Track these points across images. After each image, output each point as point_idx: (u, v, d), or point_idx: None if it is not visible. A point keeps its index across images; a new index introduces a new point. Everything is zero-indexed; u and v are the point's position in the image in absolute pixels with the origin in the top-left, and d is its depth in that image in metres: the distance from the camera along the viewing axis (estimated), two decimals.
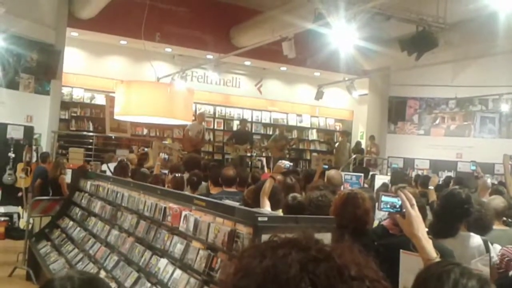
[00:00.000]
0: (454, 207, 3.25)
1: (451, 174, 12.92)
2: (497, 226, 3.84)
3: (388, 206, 2.01)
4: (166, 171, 7.44)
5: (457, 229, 3.24)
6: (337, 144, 15.28)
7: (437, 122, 14.98)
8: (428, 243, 1.90)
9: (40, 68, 10.66)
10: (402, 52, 9.02)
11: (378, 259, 0.93)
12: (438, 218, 3.31)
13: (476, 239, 3.24)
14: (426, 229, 2.01)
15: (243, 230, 2.84)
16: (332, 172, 6.30)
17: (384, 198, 2.02)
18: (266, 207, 4.08)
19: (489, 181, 6.41)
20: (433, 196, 5.63)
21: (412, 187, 6.77)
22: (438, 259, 1.82)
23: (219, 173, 5.84)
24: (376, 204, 2.78)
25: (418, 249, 1.93)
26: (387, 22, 8.58)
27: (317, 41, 8.76)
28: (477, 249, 3.19)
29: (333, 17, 7.60)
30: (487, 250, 3.20)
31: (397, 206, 1.98)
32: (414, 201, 1.94)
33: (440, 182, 8.72)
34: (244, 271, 0.87)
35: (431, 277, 1.45)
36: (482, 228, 3.49)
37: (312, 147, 16.93)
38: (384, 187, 6.63)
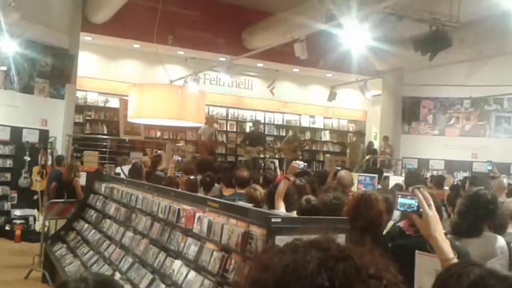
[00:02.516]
0: (480, 207, 3.22)
1: (467, 174, 12.78)
2: (510, 229, 3.77)
3: (405, 205, 1.99)
4: (180, 173, 7.46)
5: (481, 229, 3.21)
6: (349, 145, 15.19)
7: (451, 122, 14.82)
8: (445, 244, 1.87)
9: (54, 73, 10.78)
10: (416, 52, 8.94)
11: (392, 260, 0.93)
12: (463, 218, 3.27)
13: (500, 240, 3.21)
14: (444, 231, 1.98)
15: (257, 231, 2.84)
16: (342, 173, 6.31)
17: (400, 199, 2.00)
18: (281, 209, 4.07)
19: (505, 181, 6.33)
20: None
21: (430, 188, 6.71)
22: (455, 260, 1.80)
23: (232, 174, 5.85)
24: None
25: (435, 250, 1.90)
26: (400, 22, 8.52)
27: (329, 42, 8.73)
28: (501, 250, 3.16)
29: (345, 17, 7.57)
30: (510, 251, 3.17)
31: (414, 206, 1.96)
32: (431, 201, 1.92)
33: (455, 183, 8.63)
34: (263, 266, 0.88)
35: (451, 277, 1.42)
36: (499, 228, 3.45)
37: (325, 148, 16.88)
38: (398, 188, 6.59)
